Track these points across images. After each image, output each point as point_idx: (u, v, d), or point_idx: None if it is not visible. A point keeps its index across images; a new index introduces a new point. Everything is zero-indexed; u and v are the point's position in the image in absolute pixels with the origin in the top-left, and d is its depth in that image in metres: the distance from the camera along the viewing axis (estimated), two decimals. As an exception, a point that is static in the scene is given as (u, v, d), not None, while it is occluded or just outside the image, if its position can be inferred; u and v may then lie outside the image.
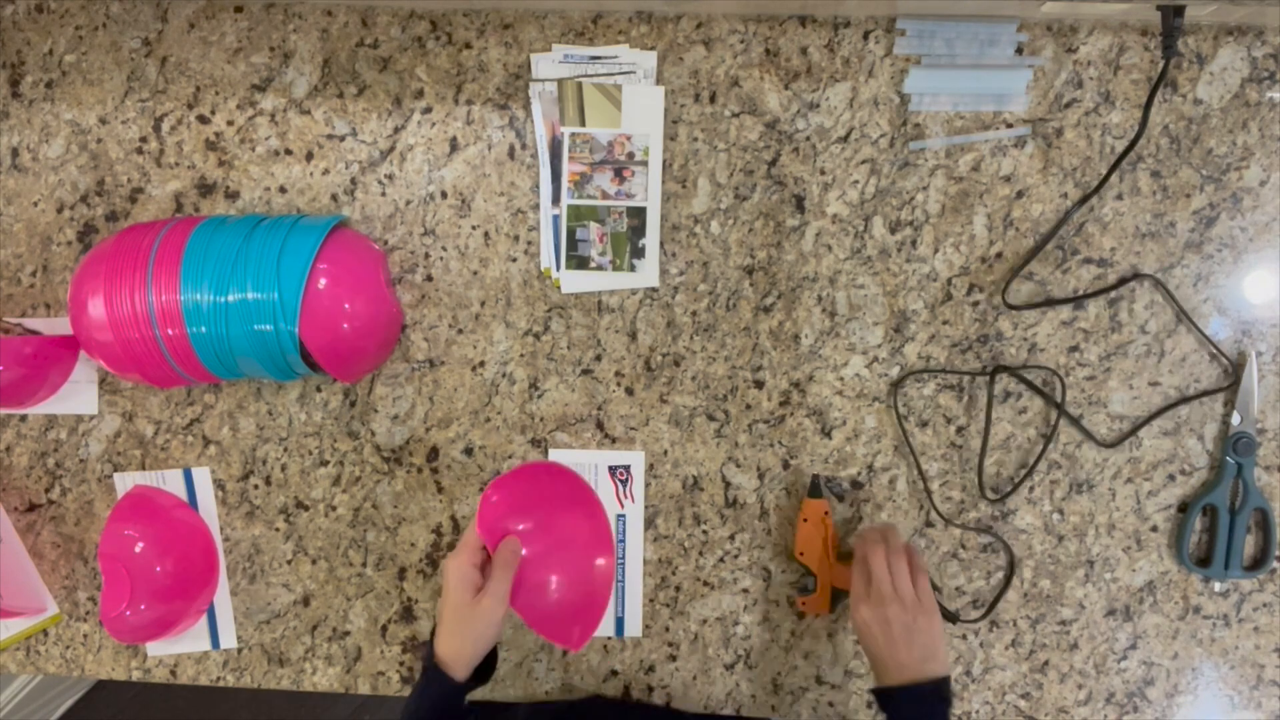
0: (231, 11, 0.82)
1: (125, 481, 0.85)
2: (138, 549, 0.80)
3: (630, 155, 0.79)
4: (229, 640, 0.86)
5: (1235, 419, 0.79)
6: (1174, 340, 0.80)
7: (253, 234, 0.75)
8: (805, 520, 0.79)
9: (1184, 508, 0.81)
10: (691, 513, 0.84)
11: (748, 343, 0.82)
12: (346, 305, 0.77)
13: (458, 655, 0.66)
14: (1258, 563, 0.81)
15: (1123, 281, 0.79)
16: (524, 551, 0.71)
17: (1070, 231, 0.80)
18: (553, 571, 0.73)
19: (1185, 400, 0.80)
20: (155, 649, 0.87)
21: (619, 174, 0.79)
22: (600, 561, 0.74)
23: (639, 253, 0.80)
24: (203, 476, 0.85)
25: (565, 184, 0.79)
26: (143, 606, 0.79)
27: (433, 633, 0.69)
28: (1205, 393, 0.80)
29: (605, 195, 0.80)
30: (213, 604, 0.86)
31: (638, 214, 0.80)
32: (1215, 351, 0.79)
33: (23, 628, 0.87)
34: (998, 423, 0.81)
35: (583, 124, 0.78)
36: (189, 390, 0.85)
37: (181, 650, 0.87)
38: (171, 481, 0.85)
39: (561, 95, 0.77)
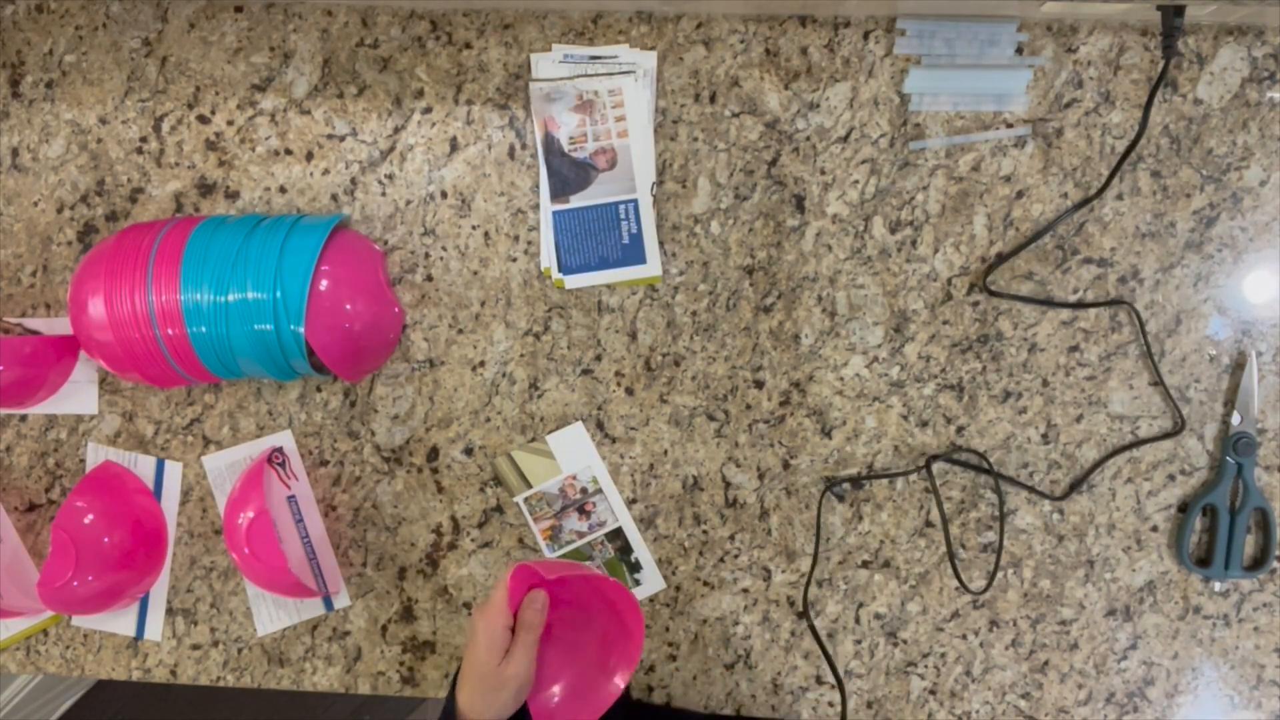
0: (231, 11, 0.82)
1: (98, 454, 0.85)
2: (87, 520, 0.80)
3: (583, 491, 0.83)
4: (154, 633, 0.86)
5: (1235, 419, 0.79)
6: (1174, 340, 0.80)
7: (253, 234, 0.75)
8: None
9: (1184, 508, 0.81)
10: (691, 513, 0.84)
11: (748, 343, 0.82)
12: (348, 306, 0.77)
13: (481, 716, 0.64)
14: (1258, 563, 0.81)
15: (1100, 304, 0.79)
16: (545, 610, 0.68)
17: (1070, 231, 0.80)
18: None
19: (1132, 445, 0.80)
20: (81, 622, 0.87)
21: (582, 510, 0.83)
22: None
23: (635, 567, 0.84)
24: (174, 470, 0.85)
25: (541, 539, 0.84)
26: (90, 578, 0.80)
27: (454, 679, 0.67)
28: (1153, 438, 0.80)
29: (580, 535, 0.84)
30: (148, 595, 0.86)
31: (617, 534, 0.83)
32: (1169, 398, 0.80)
33: (23, 628, 0.87)
34: (998, 422, 0.81)
35: (530, 486, 0.83)
36: (189, 390, 0.85)
37: (106, 629, 0.87)
38: (143, 467, 0.85)
39: (499, 470, 0.83)
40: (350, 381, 0.83)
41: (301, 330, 0.74)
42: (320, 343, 0.75)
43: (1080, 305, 0.80)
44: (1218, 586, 0.81)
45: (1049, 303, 0.80)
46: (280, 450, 0.84)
